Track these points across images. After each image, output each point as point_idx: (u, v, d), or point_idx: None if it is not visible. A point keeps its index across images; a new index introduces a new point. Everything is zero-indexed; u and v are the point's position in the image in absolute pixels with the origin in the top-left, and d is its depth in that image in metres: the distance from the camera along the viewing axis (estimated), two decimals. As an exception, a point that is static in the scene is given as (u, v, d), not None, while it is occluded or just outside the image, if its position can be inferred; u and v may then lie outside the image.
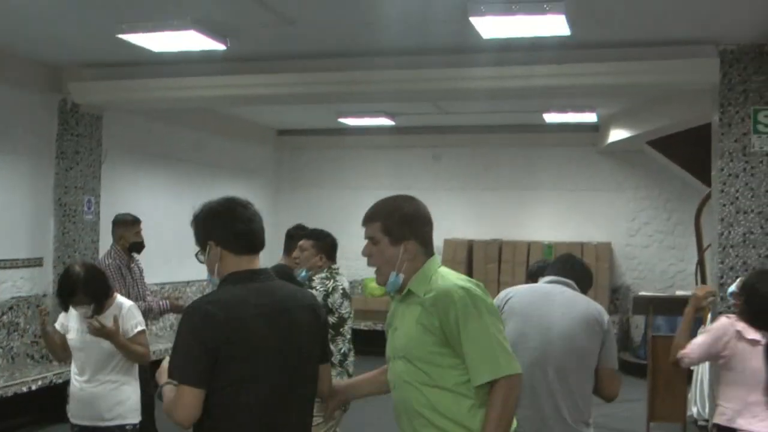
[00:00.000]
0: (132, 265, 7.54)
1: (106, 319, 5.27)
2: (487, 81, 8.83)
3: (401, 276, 3.59)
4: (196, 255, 3.60)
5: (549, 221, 14.18)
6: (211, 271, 3.55)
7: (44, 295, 9.66)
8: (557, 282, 4.75)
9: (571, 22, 7.00)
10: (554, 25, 7.06)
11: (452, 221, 14.30)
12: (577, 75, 8.51)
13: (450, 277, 3.58)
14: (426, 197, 13.35)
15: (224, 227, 3.52)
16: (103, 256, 7.56)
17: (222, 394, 3.27)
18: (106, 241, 9.69)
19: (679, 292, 9.96)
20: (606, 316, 4.54)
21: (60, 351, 5.46)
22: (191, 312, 3.34)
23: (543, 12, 6.69)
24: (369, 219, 3.69)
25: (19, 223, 9.43)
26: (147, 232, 10.48)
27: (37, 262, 9.60)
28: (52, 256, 9.76)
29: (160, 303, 7.56)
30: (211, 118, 12.83)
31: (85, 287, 5.25)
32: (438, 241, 13.48)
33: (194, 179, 12.52)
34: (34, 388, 8.51)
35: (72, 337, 5.36)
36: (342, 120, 13.11)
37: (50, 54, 9.18)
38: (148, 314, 7.30)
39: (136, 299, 7.03)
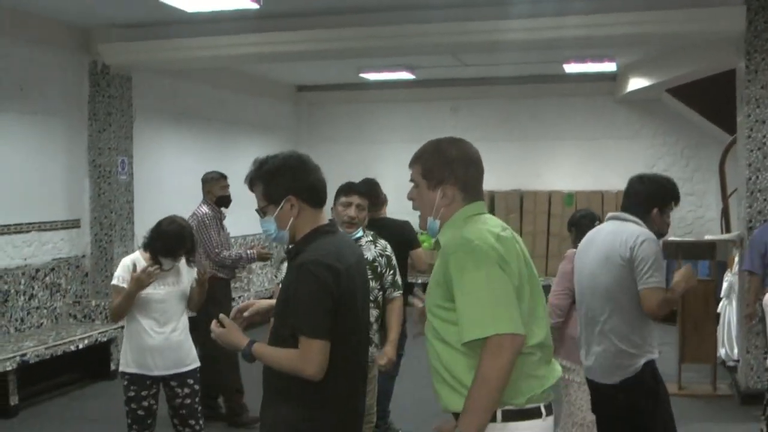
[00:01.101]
0: (222, 217, 7.94)
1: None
2: (514, 33, 8.92)
3: (437, 222, 3.37)
4: (258, 210, 3.58)
5: (568, 170, 14.34)
6: (283, 226, 3.52)
7: (83, 256, 9.84)
8: (610, 218, 4.86)
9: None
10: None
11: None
12: (601, 26, 8.62)
13: (475, 225, 3.28)
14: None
15: (303, 180, 3.51)
16: (196, 211, 7.74)
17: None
18: (140, 201, 9.95)
19: (708, 237, 10.09)
20: (632, 242, 4.49)
21: (127, 310, 5.57)
22: (314, 267, 3.35)
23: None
24: (412, 162, 3.49)
25: (56, 185, 9.58)
26: (174, 189, 10.76)
27: (74, 224, 9.76)
28: (89, 217, 9.93)
29: (248, 252, 7.84)
30: (233, 76, 12.94)
31: (192, 240, 5.56)
32: (460, 192, 13.73)
33: (218, 137, 12.67)
34: (81, 346, 8.72)
35: (153, 291, 5.46)
36: (363, 75, 13.20)
37: (80, 15, 9.27)
38: (238, 263, 7.86)
39: (228, 249, 7.70)
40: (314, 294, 3.32)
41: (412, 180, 3.48)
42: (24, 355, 7.98)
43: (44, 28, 9.28)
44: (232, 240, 8.83)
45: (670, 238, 9.62)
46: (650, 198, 4.73)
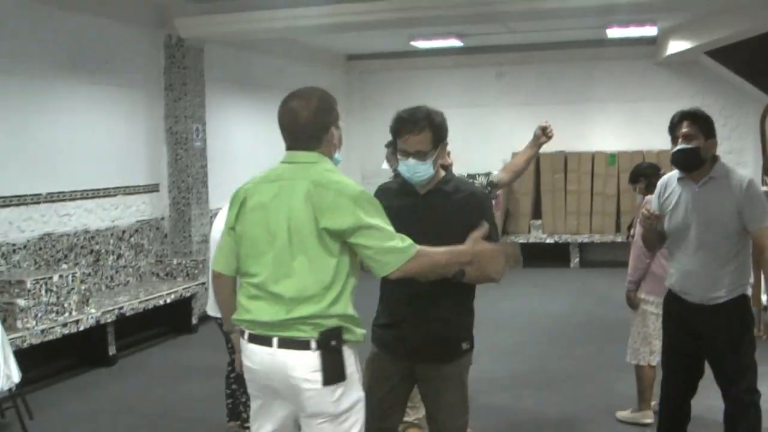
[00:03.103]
0: None
1: None
2: (560, 1, 9.45)
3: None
4: (419, 154, 4.12)
5: (611, 132, 14.83)
6: (434, 165, 4.16)
7: (162, 218, 10.50)
8: None
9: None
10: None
11: (518, 135, 14.89)
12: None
13: None
14: (491, 113, 14.43)
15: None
16: None
17: None
18: (213, 166, 10.56)
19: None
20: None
21: None
22: (486, 195, 4.54)
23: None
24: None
25: (138, 152, 10.21)
26: (244, 153, 11.36)
27: (154, 188, 10.41)
28: (167, 181, 10.59)
29: None
30: (289, 46, 13.48)
31: None
32: (506, 154, 14.29)
33: (278, 104, 13.21)
34: (168, 301, 9.39)
35: None
36: (414, 43, 13.74)
37: (156, -9, 9.90)
38: None
39: None
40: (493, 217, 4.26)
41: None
42: (121, 308, 8.67)
43: (125, 5, 9.88)
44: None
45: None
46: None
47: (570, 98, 15.13)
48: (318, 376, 3.51)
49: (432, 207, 4.21)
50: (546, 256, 14.67)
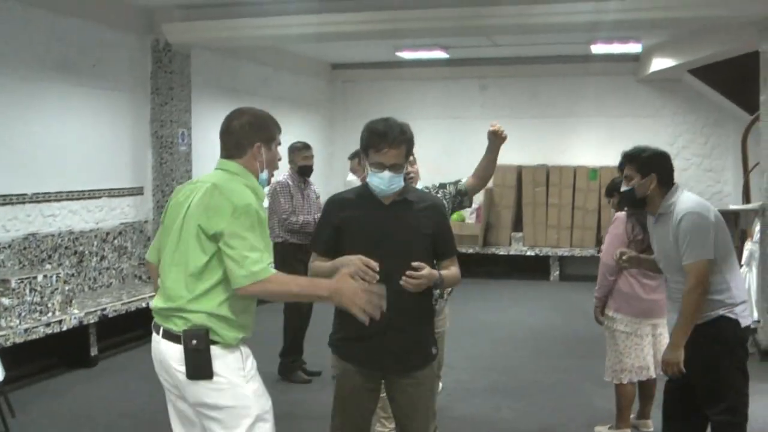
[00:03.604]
0: (304, 186, 8.36)
1: None
2: (546, 17, 9.55)
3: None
4: (397, 167, 4.22)
5: (593, 147, 14.94)
6: (404, 177, 4.35)
7: (146, 221, 10.53)
8: None
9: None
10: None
11: (501, 148, 15.09)
12: (624, 11, 9.20)
13: None
14: (474, 126, 14.48)
15: None
16: (276, 180, 8.21)
17: None
18: (198, 170, 10.62)
19: (732, 206, 10.77)
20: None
21: None
22: (444, 206, 4.88)
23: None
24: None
25: (123, 155, 10.26)
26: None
27: (138, 191, 10.46)
28: (152, 185, 10.64)
29: (316, 218, 8.11)
30: (274, 54, 13.55)
31: None
32: (489, 166, 14.35)
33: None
34: (150, 304, 9.37)
35: None
36: (399, 53, 13.84)
37: (146, -3, 9.97)
38: (306, 228, 8.02)
39: (306, 214, 8.17)
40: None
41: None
42: (104, 309, 8.70)
43: (113, 9, 9.92)
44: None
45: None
46: None
47: (553, 112, 15.29)
48: (181, 369, 3.79)
49: (399, 217, 4.32)
50: (526, 269, 14.77)
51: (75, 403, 7.64)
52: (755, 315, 9.65)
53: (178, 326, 3.79)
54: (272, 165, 4.07)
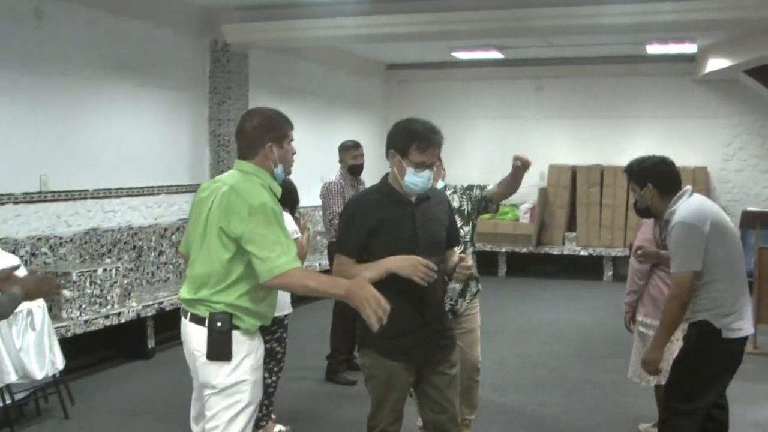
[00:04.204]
0: (357, 185, 8.36)
1: None
2: (600, 18, 9.61)
3: None
4: (428, 166, 4.41)
5: (647, 147, 14.76)
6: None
7: (203, 218, 10.75)
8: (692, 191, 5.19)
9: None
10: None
11: (555, 148, 15.26)
12: (686, 11, 9.24)
13: None
14: (530, 126, 14.61)
15: None
16: (329, 179, 8.33)
17: None
18: (254, 169, 10.76)
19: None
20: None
21: None
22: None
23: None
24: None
25: (181, 152, 10.53)
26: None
27: (196, 188, 10.53)
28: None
29: None
30: (330, 54, 13.74)
31: (292, 193, 6.39)
32: (543, 166, 14.46)
33: (319, 111, 13.50)
34: (207, 298, 9.62)
35: None
36: (455, 54, 13.95)
37: (206, -1, 10.21)
38: None
39: None
40: None
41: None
42: (161, 303, 8.94)
43: (173, 11, 10.18)
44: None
45: (749, 208, 10.30)
46: None
47: (608, 113, 15.29)
48: (205, 350, 4.09)
49: (425, 213, 4.52)
50: (579, 269, 14.81)
51: (132, 392, 7.89)
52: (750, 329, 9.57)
53: (202, 311, 4.11)
54: (285, 161, 4.28)
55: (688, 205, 4.86)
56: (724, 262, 4.79)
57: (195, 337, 4.13)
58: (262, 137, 4.19)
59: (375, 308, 3.81)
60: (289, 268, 3.94)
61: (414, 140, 4.36)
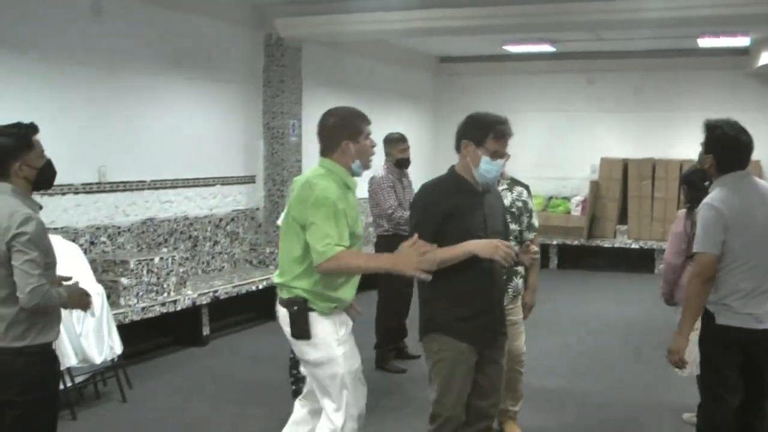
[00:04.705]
0: (403, 178, 8.36)
1: None
2: (650, 12, 9.64)
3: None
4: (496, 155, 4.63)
5: (699, 141, 14.79)
6: None
7: (257, 209, 10.99)
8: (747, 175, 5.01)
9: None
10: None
11: (607, 141, 15.28)
12: (731, 5, 9.25)
13: None
14: (580, 119, 14.60)
15: None
16: (375, 173, 8.18)
17: None
18: (307, 160, 11.01)
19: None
20: None
21: None
22: None
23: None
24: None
25: (236, 145, 10.75)
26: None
27: (250, 180, 10.93)
28: (263, 174, 11.11)
29: None
30: (382, 48, 13.87)
31: None
32: (594, 159, 14.50)
33: (370, 104, 13.56)
34: (261, 287, 9.85)
35: None
36: (506, 47, 14.02)
37: (260, -7, 10.38)
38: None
39: (404, 208, 8.01)
40: None
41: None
42: (216, 291, 9.16)
43: (227, 5, 10.37)
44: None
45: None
46: None
47: (659, 106, 15.25)
48: (288, 329, 4.60)
49: (490, 202, 4.78)
50: (630, 262, 14.79)
51: (187, 378, 8.11)
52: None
53: (285, 295, 4.60)
54: (363, 155, 4.62)
55: (723, 187, 4.79)
56: (740, 251, 4.72)
57: (282, 318, 4.62)
58: (338, 135, 4.55)
59: (420, 266, 4.18)
60: (336, 251, 4.29)
61: (491, 130, 4.61)
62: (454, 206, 4.56)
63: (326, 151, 4.62)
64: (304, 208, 4.40)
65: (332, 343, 4.54)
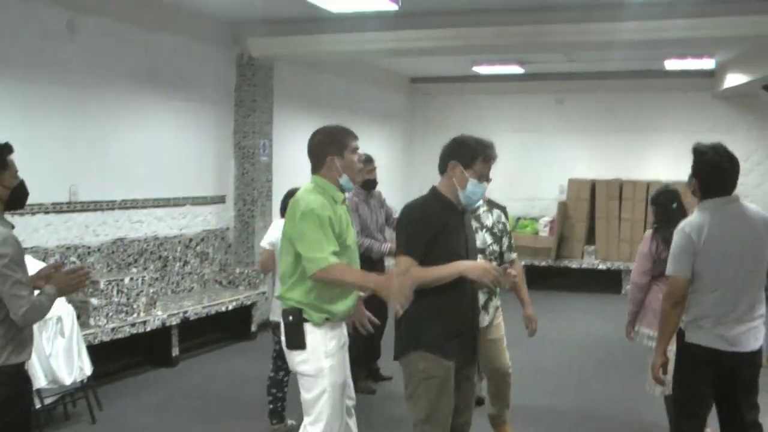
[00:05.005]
0: (370, 199, 8.24)
1: None
2: (622, 34, 9.70)
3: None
4: (484, 179, 4.79)
5: (666, 161, 14.97)
6: None
7: (227, 229, 10.98)
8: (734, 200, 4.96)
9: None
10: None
11: (575, 162, 15.39)
12: (697, 29, 9.33)
13: None
14: (550, 139, 14.68)
15: None
16: None
17: None
18: (278, 180, 11.02)
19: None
20: None
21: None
22: None
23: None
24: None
25: (207, 164, 10.72)
26: (308, 170, 11.76)
27: (221, 200, 10.91)
28: (233, 193, 11.10)
29: (384, 247, 8.06)
30: (354, 68, 13.93)
31: None
32: (562, 180, 14.58)
33: (342, 123, 13.42)
34: (230, 308, 9.86)
35: None
36: (476, 68, 14.10)
37: (231, 12, 10.37)
38: (369, 252, 7.86)
39: (379, 230, 8.13)
40: None
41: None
42: (186, 312, 9.13)
43: (200, 24, 10.35)
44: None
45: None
46: None
47: (627, 127, 15.45)
48: (284, 339, 4.81)
49: (468, 222, 4.95)
50: (598, 282, 14.87)
51: (157, 398, 8.08)
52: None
53: (281, 306, 4.84)
54: (350, 169, 4.79)
55: (698, 213, 4.84)
56: (708, 278, 4.78)
57: (280, 328, 4.81)
58: (324, 151, 4.75)
59: (404, 300, 4.28)
60: (326, 264, 4.50)
61: (480, 153, 4.67)
62: (443, 225, 4.63)
63: (315, 167, 4.81)
64: (293, 224, 4.63)
65: (320, 355, 4.68)
